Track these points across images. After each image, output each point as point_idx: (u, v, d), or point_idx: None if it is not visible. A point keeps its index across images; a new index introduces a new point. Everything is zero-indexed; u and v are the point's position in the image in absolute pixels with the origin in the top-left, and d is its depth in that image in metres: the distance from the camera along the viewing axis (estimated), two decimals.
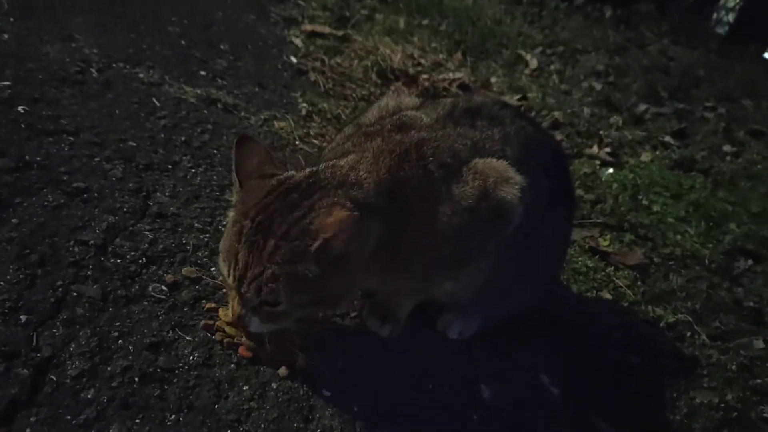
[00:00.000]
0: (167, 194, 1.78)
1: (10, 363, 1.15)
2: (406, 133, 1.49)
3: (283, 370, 1.37)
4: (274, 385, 1.34)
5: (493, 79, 4.13)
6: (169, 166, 1.91)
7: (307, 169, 1.38)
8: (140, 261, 1.50)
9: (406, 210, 1.38)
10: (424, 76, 3.77)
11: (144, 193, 1.73)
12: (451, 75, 3.85)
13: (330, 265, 1.26)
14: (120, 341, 1.28)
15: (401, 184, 1.38)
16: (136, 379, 1.22)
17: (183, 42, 2.95)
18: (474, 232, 1.47)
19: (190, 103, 2.37)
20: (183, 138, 2.09)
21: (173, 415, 1.19)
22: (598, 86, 4.45)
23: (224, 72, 2.85)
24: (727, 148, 3.84)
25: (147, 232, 1.60)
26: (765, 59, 6.44)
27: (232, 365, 1.34)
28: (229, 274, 1.29)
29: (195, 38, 3.06)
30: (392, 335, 1.62)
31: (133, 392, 1.20)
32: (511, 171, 1.49)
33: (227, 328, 1.41)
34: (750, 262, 2.52)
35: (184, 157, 1.99)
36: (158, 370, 1.26)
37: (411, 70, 3.80)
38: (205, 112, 2.36)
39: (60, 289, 1.33)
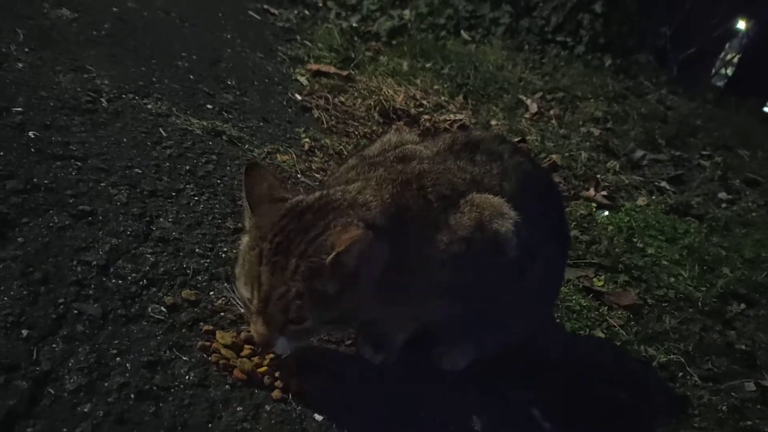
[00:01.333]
0: (170, 220, 1.82)
1: (10, 375, 1.17)
2: (408, 164, 1.55)
3: (276, 393, 1.39)
4: (267, 408, 1.36)
5: (493, 122, 4.21)
6: (173, 194, 1.95)
7: (317, 193, 1.44)
8: (141, 283, 1.53)
9: (407, 237, 1.43)
10: (426, 116, 3.84)
11: (147, 218, 1.77)
12: (452, 116, 3.93)
13: (345, 281, 1.32)
14: (118, 359, 1.31)
15: (403, 211, 1.44)
16: (132, 396, 1.25)
17: (191, 76, 3.03)
18: (469, 263, 1.51)
19: (196, 134, 2.43)
20: (188, 167, 2.14)
21: None
22: (596, 132, 4.53)
23: (230, 106, 2.92)
24: (722, 195, 3.89)
25: (149, 255, 1.63)
26: (763, 112, 6.52)
27: (227, 386, 1.37)
28: (253, 297, 1.34)
29: (203, 73, 3.14)
30: (385, 363, 1.64)
31: (129, 408, 1.22)
32: (506, 207, 1.54)
33: (223, 350, 1.43)
34: (743, 305, 2.55)
35: (187, 186, 2.03)
36: (154, 388, 1.28)
37: (413, 111, 3.88)
38: (210, 143, 2.41)
39: (61, 307, 1.36)
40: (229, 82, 3.21)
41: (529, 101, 4.79)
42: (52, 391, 1.18)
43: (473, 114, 4.24)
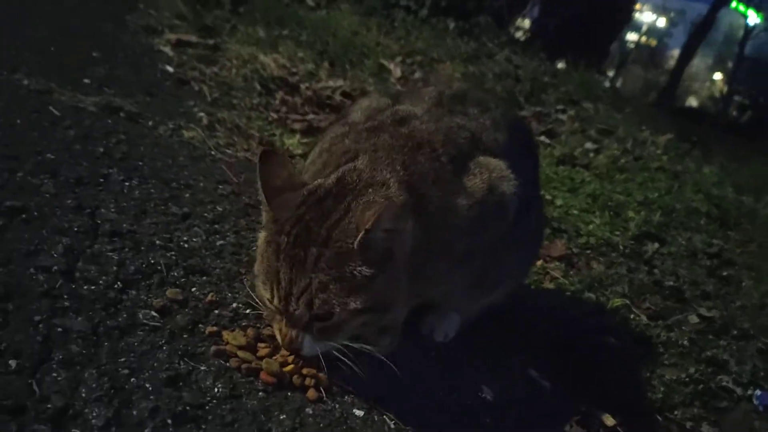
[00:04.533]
0: (113, 210, 1.53)
1: (20, 420, 0.90)
2: (410, 125, 1.42)
3: (312, 393, 1.22)
4: (309, 411, 1.19)
5: (367, 88, 4.11)
6: (101, 180, 1.65)
7: (332, 176, 1.28)
8: (116, 286, 1.27)
9: (429, 207, 1.32)
10: (305, 84, 3.66)
11: (88, 210, 1.48)
12: (332, 83, 3.78)
13: (377, 264, 1.19)
14: (133, 379, 1.07)
15: (421, 179, 1.33)
16: (169, 421, 1.02)
17: (52, 48, 2.60)
18: (481, 227, 1.43)
19: (91, 111, 2.08)
20: (101, 149, 1.82)
21: None
22: None
23: (106, 80, 2.54)
24: (589, 145, 4.11)
25: (110, 254, 1.36)
26: (594, 69, 6.99)
27: (260, 393, 1.17)
28: (273, 296, 1.20)
29: (63, 45, 2.71)
30: (392, 346, 1.51)
31: None
32: (507, 170, 1.47)
33: (240, 353, 1.23)
34: (656, 245, 2.69)
35: (110, 170, 1.73)
36: (187, 408, 1.06)
37: (290, 79, 3.67)
38: (110, 121, 2.08)
39: (41, 325, 1.08)
40: (94, 54, 2.81)
41: (392, 65, 4.74)
42: None
43: (348, 81, 4.10)
